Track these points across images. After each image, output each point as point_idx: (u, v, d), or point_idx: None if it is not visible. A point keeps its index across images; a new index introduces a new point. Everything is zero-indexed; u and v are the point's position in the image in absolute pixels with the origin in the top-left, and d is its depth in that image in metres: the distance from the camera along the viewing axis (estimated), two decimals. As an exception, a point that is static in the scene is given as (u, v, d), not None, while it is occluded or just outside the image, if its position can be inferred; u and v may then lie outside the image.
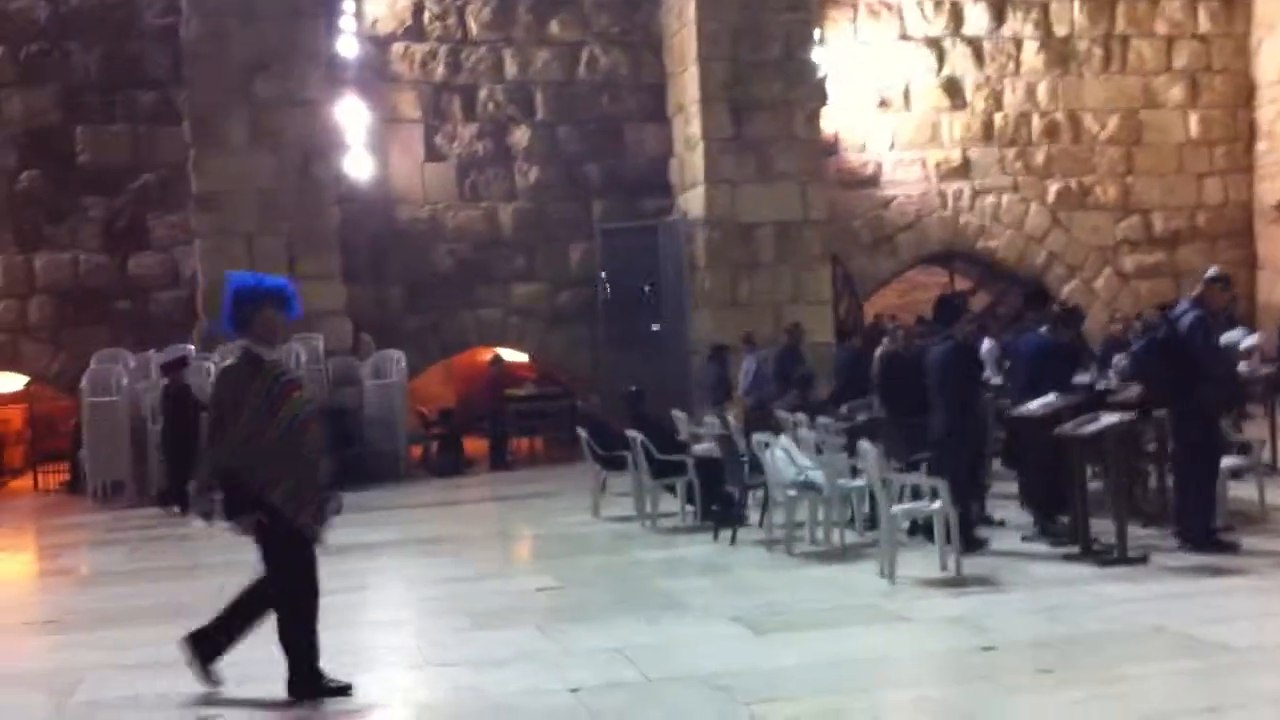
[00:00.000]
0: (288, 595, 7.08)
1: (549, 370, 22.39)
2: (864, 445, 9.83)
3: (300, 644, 7.10)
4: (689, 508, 12.58)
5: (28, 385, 21.25)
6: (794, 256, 19.87)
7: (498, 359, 20.98)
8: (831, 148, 21.70)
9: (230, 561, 11.78)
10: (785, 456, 10.75)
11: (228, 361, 7.25)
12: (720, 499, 12.11)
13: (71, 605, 10.36)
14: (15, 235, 19.69)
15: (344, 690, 7.15)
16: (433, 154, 20.86)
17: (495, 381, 20.19)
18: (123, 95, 19.91)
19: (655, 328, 20.11)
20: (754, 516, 11.93)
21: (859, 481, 10.87)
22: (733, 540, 11.48)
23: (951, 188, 22.48)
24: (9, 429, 22.46)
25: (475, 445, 19.77)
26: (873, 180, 22.27)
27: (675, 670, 7.40)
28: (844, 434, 11.41)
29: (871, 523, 10.94)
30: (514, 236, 20.94)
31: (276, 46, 18.68)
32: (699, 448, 12.80)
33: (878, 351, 13.04)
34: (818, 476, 10.63)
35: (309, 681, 7.11)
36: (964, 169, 22.51)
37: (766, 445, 10.96)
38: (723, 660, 7.54)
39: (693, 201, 20.14)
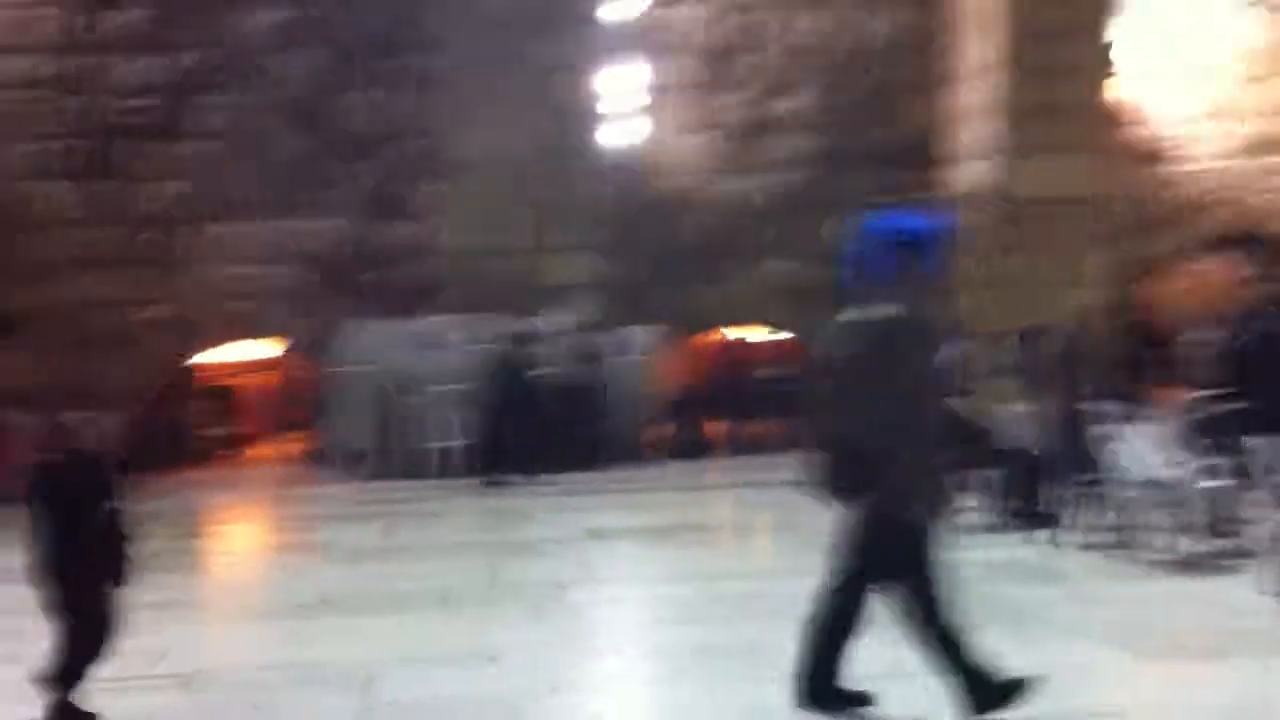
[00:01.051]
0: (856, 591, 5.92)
1: (797, 351, 21.15)
2: (1255, 441, 8.36)
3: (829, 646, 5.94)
4: (989, 502, 11.25)
5: (277, 353, 21.08)
6: (1074, 236, 18.18)
7: (740, 339, 19.91)
8: (1125, 119, 19.88)
9: (492, 542, 11.22)
10: (1133, 450, 9.33)
11: (888, 314, 5.75)
12: (1037, 495, 10.77)
13: (338, 586, 9.67)
14: (273, 201, 19.41)
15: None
16: (693, 123, 19.86)
17: (735, 361, 19.14)
18: (388, 61, 19.47)
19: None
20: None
21: (1222, 481, 9.37)
22: (1054, 543, 10.12)
23: (1259, 164, 20.39)
24: (256, 396, 22.43)
25: (713, 428, 18.90)
26: (1168, 155, 20.35)
27: (1066, 704, 6.05)
28: (1205, 426, 9.89)
29: (1218, 530, 9.49)
30: (772, 210, 19.79)
31: (544, 10, 17.96)
32: (1007, 437, 11.43)
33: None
34: (1173, 474, 9.19)
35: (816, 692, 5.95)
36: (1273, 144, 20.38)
37: (1109, 438, 9.56)
38: (1113, 692, 6.25)
39: (968, 175, 18.63)
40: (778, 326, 20.61)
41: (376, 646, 7.68)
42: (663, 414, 18.69)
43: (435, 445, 16.63)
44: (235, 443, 20.94)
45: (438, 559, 10.87)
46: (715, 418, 19.14)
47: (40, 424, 6.59)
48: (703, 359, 22.27)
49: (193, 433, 20.34)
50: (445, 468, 16.43)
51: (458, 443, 16.54)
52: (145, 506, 6.87)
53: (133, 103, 19.17)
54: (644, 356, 18.24)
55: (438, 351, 17.22)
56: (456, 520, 13.21)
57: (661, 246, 19.51)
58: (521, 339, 16.76)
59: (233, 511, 15.37)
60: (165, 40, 19.30)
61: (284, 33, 19.39)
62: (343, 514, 13.71)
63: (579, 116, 18.34)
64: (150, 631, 7.32)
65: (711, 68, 19.90)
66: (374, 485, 15.83)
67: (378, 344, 17.38)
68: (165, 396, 19.49)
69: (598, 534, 11.73)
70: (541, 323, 17.62)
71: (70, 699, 6.11)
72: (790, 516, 10.02)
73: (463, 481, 15.72)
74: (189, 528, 13.36)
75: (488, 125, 18.02)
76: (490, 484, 15.35)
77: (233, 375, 21.91)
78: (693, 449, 17.77)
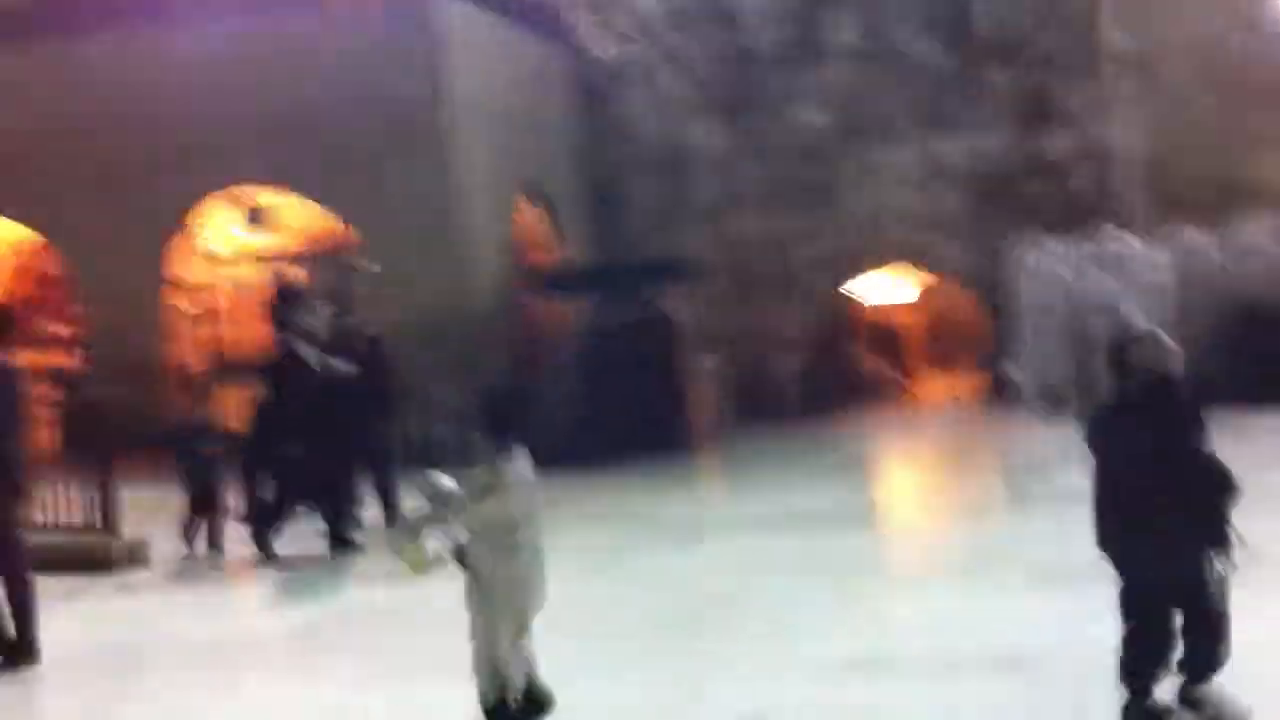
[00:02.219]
0: None
1: None
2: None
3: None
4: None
5: (935, 285, 20.02)
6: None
7: None
8: None
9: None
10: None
11: None
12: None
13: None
14: (921, 120, 18.23)
15: None
16: None
17: None
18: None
19: None
20: None
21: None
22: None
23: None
24: (916, 331, 21.56)
25: None
26: None
27: None
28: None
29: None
30: None
31: None
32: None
33: None
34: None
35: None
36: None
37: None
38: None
39: None
40: None
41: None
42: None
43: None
44: (903, 381, 20.17)
45: None
46: None
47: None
48: None
49: (861, 372, 19.77)
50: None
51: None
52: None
53: (765, 30, 18.66)
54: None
55: (1133, 273, 15.28)
56: None
57: None
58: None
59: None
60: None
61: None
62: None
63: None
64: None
65: None
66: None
67: (1063, 267, 15.70)
68: (834, 335, 19.00)
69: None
70: (1237, 234, 15.32)
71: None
72: None
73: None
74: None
75: (1155, 6, 15.86)
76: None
77: (895, 311, 21.15)
78: None
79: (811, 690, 5.53)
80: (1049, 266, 15.76)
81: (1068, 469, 10.35)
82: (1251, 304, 14.78)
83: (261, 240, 16.71)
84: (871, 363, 20.09)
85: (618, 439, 12.86)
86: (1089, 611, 6.11)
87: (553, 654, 5.07)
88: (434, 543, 4.82)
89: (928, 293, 20.57)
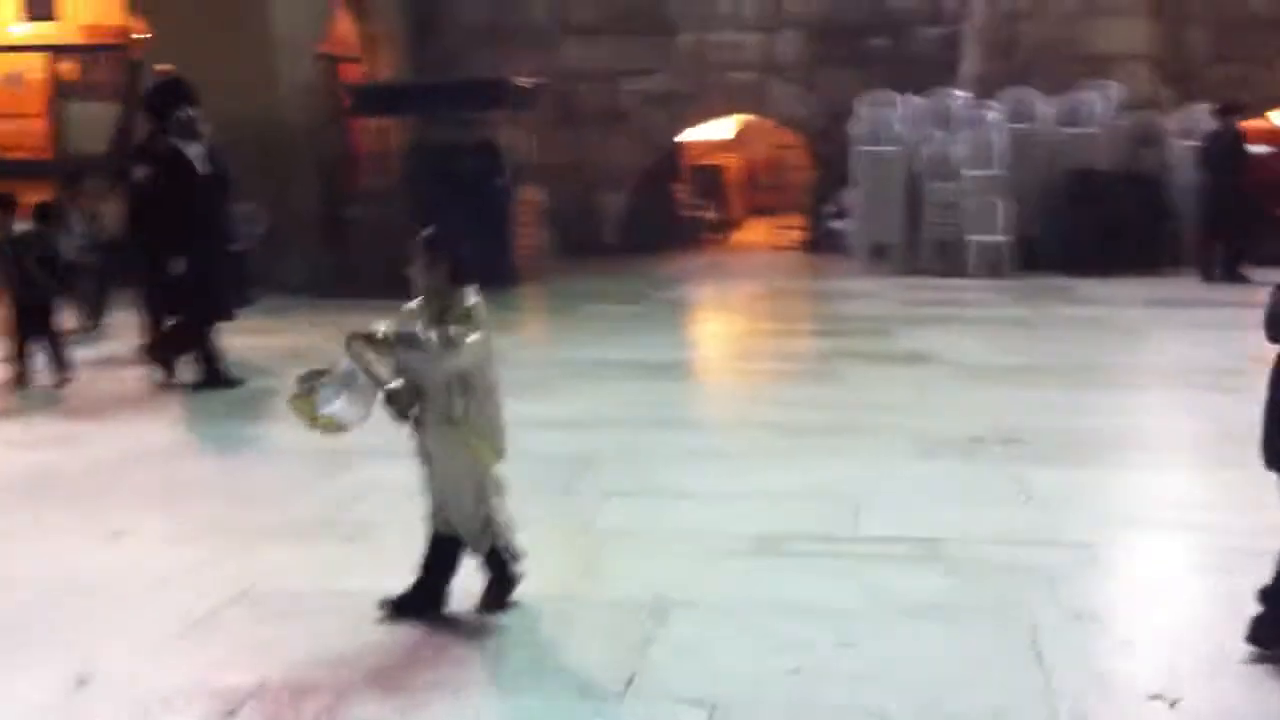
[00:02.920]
0: None
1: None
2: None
3: None
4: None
5: (765, 131, 19.49)
6: None
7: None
8: None
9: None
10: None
11: None
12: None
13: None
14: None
15: None
16: None
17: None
18: None
19: None
20: None
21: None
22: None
23: None
24: (740, 177, 21.04)
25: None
26: None
27: None
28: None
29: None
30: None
31: None
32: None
33: None
34: None
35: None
36: None
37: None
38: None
39: None
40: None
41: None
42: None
43: (975, 239, 14.56)
44: (723, 226, 19.69)
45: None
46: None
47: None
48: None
49: (681, 214, 19.18)
50: (985, 265, 14.43)
51: (1001, 238, 14.45)
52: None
53: None
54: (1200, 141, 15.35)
55: (971, 131, 15.01)
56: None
57: (1222, 9, 16.52)
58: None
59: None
60: None
61: None
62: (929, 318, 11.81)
63: None
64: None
65: None
66: (914, 282, 14.01)
67: (899, 122, 15.38)
68: (660, 174, 18.31)
69: None
70: (1077, 99, 15.20)
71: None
72: None
73: (1011, 281, 13.77)
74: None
75: None
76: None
77: (721, 153, 20.55)
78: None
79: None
80: (885, 120, 15.41)
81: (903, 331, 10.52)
82: (1086, 170, 14.73)
83: (39, 30, 15.08)
84: (695, 203, 19.52)
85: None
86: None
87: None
88: (340, 399, 4.18)
89: (757, 136, 20.06)
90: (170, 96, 9.12)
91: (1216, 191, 13.90)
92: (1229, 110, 14.28)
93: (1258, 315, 3.88)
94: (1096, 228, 14.29)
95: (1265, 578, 3.98)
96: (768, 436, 7.13)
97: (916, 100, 15.63)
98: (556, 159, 16.65)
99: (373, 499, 5.89)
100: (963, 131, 14.92)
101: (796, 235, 18.16)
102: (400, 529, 4.85)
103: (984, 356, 9.72)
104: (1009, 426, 7.16)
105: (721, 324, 13.14)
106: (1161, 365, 9.48)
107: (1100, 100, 15.23)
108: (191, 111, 8.90)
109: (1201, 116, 14.90)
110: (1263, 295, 3.96)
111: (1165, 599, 4.61)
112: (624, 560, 5.02)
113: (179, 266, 8.65)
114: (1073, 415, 7.52)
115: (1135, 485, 6.14)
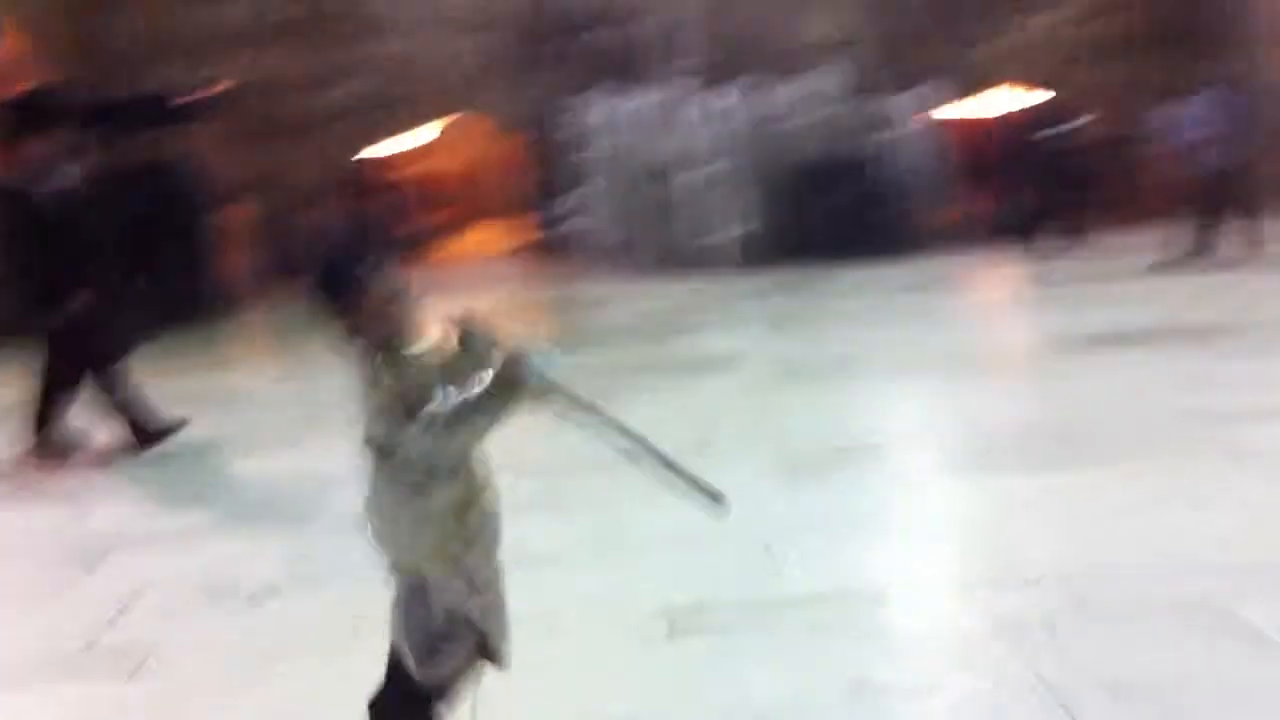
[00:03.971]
0: None
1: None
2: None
3: None
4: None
5: (477, 135, 18.33)
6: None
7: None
8: None
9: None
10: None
11: None
12: None
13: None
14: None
15: None
16: None
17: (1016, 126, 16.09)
18: None
19: None
20: None
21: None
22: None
23: None
24: (455, 183, 19.81)
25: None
26: None
27: None
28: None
29: None
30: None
31: None
32: None
33: None
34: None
35: None
36: None
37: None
38: None
39: None
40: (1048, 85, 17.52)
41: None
42: (942, 192, 15.83)
43: (715, 232, 14.15)
44: (439, 234, 18.41)
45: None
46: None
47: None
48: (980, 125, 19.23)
49: (383, 228, 17.73)
50: (724, 258, 13.87)
51: (741, 229, 13.97)
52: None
53: None
54: (919, 125, 15.33)
55: (688, 127, 14.58)
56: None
57: None
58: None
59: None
60: None
61: None
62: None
63: None
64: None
65: None
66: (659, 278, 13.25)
67: (615, 119, 14.73)
68: (363, 186, 16.87)
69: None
70: (797, 88, 14.92)
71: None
72: None
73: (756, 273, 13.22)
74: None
75: None
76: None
77: (436, 160, 19.23)
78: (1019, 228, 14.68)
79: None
80: (614, 114, 14.65)
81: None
82: (810, 159, 14.44)
83: None
84: (406, 215, 18.17)
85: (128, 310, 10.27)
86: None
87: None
88: None
89: (474, 139, 18.89)
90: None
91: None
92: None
93: None
94: (826, 215, 13.95)
95: None
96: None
97: (643, 93, 14.92)
98: (256, 173, 15.03)
99: (144, 607, 4.49)
100: (693, 124, 14.37)
101: (525, 238, 17.12)
102: (195, 650, 3.52)
103: (789, 353, 8.95)
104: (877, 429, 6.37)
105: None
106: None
107: (822, 86, 14.95)
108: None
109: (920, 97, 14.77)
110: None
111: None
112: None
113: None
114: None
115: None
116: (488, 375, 2.59)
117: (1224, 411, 6.10)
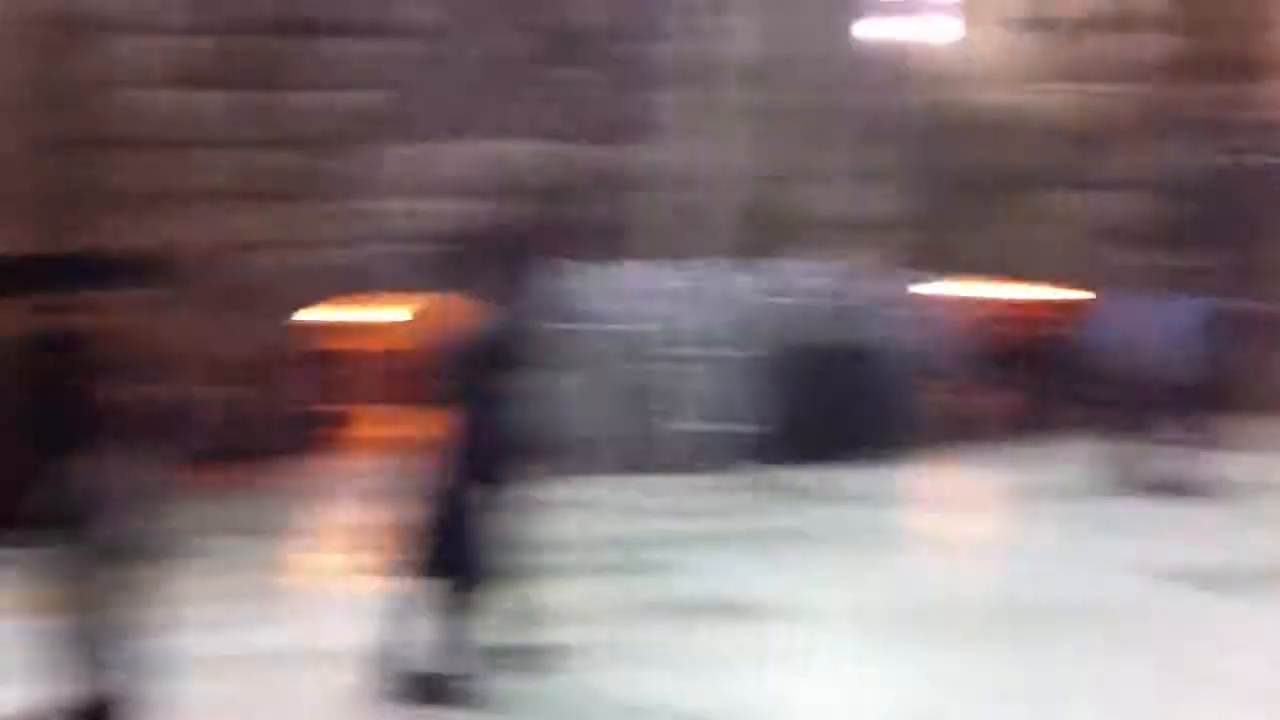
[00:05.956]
0: None
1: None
2: None
3: None
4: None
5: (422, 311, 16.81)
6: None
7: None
8: None
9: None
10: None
11: None
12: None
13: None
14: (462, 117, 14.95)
15: None
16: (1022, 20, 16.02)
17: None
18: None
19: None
20: None
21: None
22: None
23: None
24: (389, 363, 18.22)
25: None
26: None
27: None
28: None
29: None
30: (1110, 130, 15.75)
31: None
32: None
33: None
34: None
35: None
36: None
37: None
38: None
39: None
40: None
41: None
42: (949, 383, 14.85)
43: (693, 427, 13.26)
44: (342, 422, 16.77)
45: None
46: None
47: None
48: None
49: (291, 410, 16.06)
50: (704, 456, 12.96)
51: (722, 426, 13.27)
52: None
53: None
54: (920, 312, 14.77)
55: (677, 305, 13.87)
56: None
57: (968, 171, 15.61)
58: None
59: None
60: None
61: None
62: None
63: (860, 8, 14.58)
64: None
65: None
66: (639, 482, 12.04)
67: (613, 295, 13.79)
68: (281, 362, 15.34)
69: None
70: (802, 268, 14.31)
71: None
72: None
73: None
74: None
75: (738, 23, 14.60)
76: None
77: (351, 337, 17.74)
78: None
79: None
80: (595, 294, 13.75)
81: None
82: (805, 347, 13.66)
83: None
84: (315, 397, 16.48)
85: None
86: None
87: None
88: None
89: (435, 317, 17.37)
90: None
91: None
92: None
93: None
94: (817, 409, 13.19)
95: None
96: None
97: (604, 272, 14.00)
98: (182, 346, 13.44)
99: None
100: (693, 302, 13.74)
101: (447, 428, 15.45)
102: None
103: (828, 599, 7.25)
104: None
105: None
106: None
107: (819, 269, 14.29)
108: None
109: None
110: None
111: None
112: None
113: None
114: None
115: None
116: None
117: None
